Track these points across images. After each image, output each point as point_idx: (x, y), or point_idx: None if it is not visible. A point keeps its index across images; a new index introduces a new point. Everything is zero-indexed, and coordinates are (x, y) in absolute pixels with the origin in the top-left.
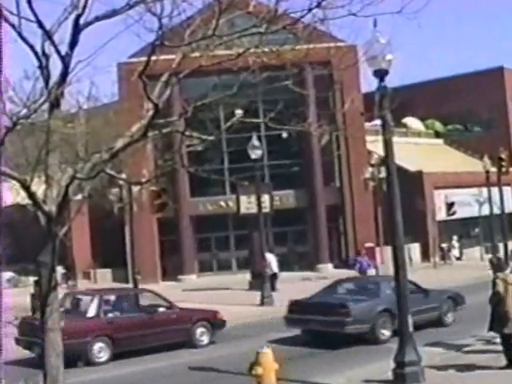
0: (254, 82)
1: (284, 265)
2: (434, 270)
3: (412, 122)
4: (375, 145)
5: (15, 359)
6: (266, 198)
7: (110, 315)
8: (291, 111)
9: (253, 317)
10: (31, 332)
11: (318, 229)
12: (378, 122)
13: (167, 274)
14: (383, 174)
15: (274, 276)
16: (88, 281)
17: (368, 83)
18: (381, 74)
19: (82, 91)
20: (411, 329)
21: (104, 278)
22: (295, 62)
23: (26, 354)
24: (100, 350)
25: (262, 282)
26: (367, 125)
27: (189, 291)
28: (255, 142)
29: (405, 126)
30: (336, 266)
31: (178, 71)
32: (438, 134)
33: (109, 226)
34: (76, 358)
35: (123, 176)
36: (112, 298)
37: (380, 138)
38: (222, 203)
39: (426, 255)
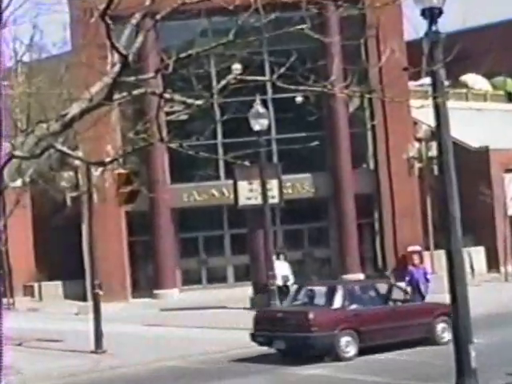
0: (258, 27)
1: (298, 275)
2: (506, 285)
3: (475, 79)
4: (423, 112)
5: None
6: (273, 184)
7: (354, 307)
8: (308, 66)
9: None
10: (271, 326)
11: (345, 226)
12: (427, 80)
13: (139, 287)
14: (434, 152)
15: (286, 290)
16: (30, 298)
17: (414, 28)
18: (432, 15)
19: (21, 38)
20: (474, 364)
21: (52, 293)
22: None
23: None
24: (347, 344)
25: (269, 298)
26: (412, 85)
27: (168, 311)
28: (259, 108)
29: (465, 85)
30: (369, 277)
31: (153, 11)
32: (511, 97)
33: (59, 224)
34: (323, 352)
35: (79, 154)
36: (353, 288)
37: (430, 102)
38: (215, 192)
39: (493, 263)
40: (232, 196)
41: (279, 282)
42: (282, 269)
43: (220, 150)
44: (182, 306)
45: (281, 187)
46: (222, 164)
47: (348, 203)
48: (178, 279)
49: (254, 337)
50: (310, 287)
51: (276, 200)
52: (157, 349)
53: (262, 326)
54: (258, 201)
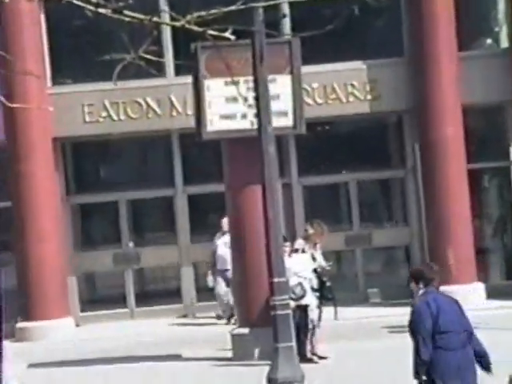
0: None
1: (335, 280)
2: None
3: None
4: None
5: None
6: (282, 84)
7: None
8: None
9: None
10: None
11: (442, 177)
12: None
13: None
14: None
15: (324, 298)
16: None
17: None
18: None
19: None
20: None
21: None
22: None
23: None
24: None
25: (275, 331)
26: None
27: (48, 369)
28: None
29: None
30: (492, 293)
31: None
32: None
33: None
34: None
35: None
36: None
37: None
38: (151, 102)
39: None
40: (190, 112)
41: (308, 300)
42: (299, 265)
43: (165, 8)
44: (82, 355)
45: (299, 92)
46: (168, 38)
47: (450, 125)
48: (75, 295)
49: None
50: None
51: (290, 121)
52: None
53: None
54: (249, 123)
